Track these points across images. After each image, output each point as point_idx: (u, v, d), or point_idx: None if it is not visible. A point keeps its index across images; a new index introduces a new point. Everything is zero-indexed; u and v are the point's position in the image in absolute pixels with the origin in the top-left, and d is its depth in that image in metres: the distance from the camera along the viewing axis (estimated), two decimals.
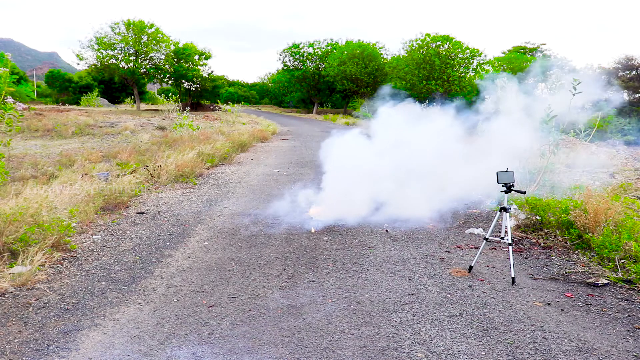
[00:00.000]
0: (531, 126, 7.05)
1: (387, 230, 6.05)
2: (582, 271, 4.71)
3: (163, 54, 32.86)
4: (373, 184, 6.83)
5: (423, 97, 31.60)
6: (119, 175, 8.41)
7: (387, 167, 6.91)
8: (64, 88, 42.50)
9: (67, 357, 3.04)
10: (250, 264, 4.86)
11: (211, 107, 35.47)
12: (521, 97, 7.50)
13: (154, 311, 3.73)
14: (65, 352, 3.09)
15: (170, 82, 36.98)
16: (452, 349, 3.20)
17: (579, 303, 4.01)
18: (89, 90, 40.49)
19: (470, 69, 33.73)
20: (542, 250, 5.40)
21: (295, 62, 43.94)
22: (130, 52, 31.23)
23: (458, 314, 3.73)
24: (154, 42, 31.68)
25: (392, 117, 7.48)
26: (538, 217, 6.06)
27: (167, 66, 33.60)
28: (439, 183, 7.04)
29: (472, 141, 8.25)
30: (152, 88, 54.38)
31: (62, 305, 3.78)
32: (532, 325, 3.56)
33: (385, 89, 9.16)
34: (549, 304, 3.96)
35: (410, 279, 4.47)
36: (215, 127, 20.45)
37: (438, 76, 32.41)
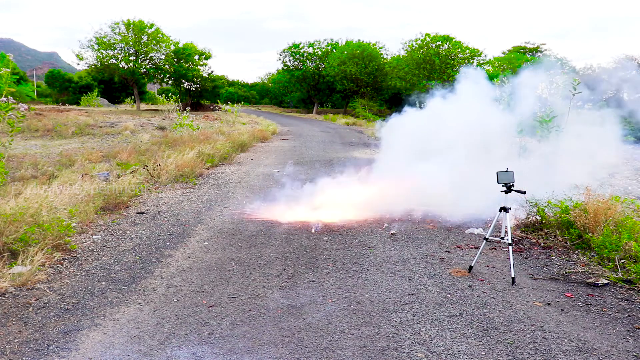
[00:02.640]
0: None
1: (392, 233, 6.02)
2: (582, 271, 4.71)
3: (163, 54, 32.83)
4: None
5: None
6: (119, 175, 8.41)
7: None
8: (64, 88, 42.46)
9: (67, 357, 3.04)
10: (250, 264, 4.86)
11: (211, 107, 35.41)
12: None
13: (154, 311, 3.73)
14: (65, 352, 3.09)
15: (170, 82, 36.93)
16: (452, 349, 3.20)
17: (579, 303, 4.01)
18: (89, 90, 40.43)
19: (471, 69, 33.73)
20: (542, 250, 5.40)
21: (295, 62, 43.82)
22: (130, 52, 31.20)
23: (458, 314, 3.73)
24: (154, 42, 31.65)
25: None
26: (538, 217, 6.06)
27: (167, 66, 33.55)
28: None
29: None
30: (152, 88, 54.32)
31: (62, 305, 3.78)
32: (532, 325, 3.56)
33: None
34: (549, 304, 3.96)
35: (410, 279, 4.47)
36: (215, 127, 20.43)
37: (438, 76, 32.39)
